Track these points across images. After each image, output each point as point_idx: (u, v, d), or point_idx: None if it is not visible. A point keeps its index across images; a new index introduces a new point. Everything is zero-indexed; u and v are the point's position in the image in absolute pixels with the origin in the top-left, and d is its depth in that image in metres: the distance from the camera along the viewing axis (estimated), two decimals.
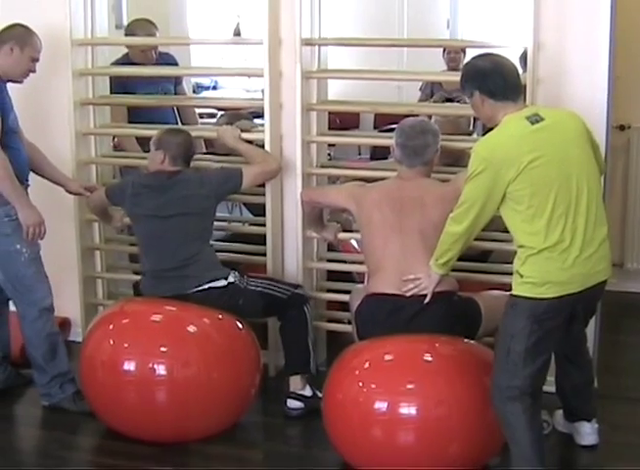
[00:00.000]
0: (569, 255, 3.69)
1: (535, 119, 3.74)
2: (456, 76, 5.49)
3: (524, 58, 4.77)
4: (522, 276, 3.75)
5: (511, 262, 4.87)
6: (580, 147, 3.81)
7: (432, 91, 7.29)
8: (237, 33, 8.09)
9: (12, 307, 4.89)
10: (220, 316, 4.49)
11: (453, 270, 4.40)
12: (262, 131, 4.97)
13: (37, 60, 4.70)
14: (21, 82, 4.76)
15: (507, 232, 5.16)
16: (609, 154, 4.63)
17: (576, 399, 4.35)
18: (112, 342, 4.43)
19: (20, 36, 4.65)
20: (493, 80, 3.82)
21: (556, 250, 3.69)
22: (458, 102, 6.06)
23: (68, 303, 4.76)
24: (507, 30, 7.06)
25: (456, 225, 3.92)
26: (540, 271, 3.71)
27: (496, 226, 5.14)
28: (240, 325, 4.53)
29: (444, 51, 7.15)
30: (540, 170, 3.67)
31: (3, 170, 4.45)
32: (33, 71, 4.73)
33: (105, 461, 4.37)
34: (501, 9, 7.82)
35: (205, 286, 4.55)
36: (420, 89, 7.43)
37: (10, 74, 4.66)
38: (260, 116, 5.17)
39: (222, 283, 4.58)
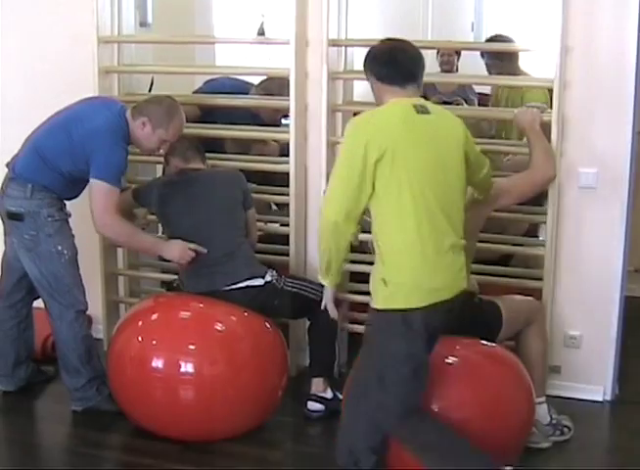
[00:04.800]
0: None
1: (422, 110, 3.71)
2: (485, 79, 5.54)
3: None
4: None
5: (532, 267, 4.92)
6: (454, 152, 3.74)
7: (425, 93, 7.20)
8: (261, 33, 8.06)
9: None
10: (246, 314, 4.49)
11: (474, 273, 4.42)
12: (287, 132, 4.99)
13: (168, 142, 4.64)
14: (146, 155, 4.83)
15: (527, 236, 5.20)
16: (634, 160, 4.63)
17: None
18: (140, 339, 4.43)
19: (157, 117, 4.53)
20: (382, 64, 3.79)
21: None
22: (458, 105, 6.04)
23: (89, 299, 4.73)
24: (533, 34, 7.02)
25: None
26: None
27: (516, 230, 5.17)
28: (268, 325, 4.53)
29: (438, 53, 7.11)
30: (413, 162, 3.59)
31: (125, 237, 4.61)
32: (160, 151, 4.75)
33: (130, 459, 4.38)
34: (527, 12, 7.78)
35: (243, 284, 4.55)
36: None
37: (137, 145, 4.65)
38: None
39: (259, 282, 4.58)
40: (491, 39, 5.95)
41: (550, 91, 4.59)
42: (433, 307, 3.58)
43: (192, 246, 4.53)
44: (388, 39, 3.91)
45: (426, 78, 5.94)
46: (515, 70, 5.61)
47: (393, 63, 3.77)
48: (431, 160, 3.63)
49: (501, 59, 5.67)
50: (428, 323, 3.59)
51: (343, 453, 3.74)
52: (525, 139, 4.75)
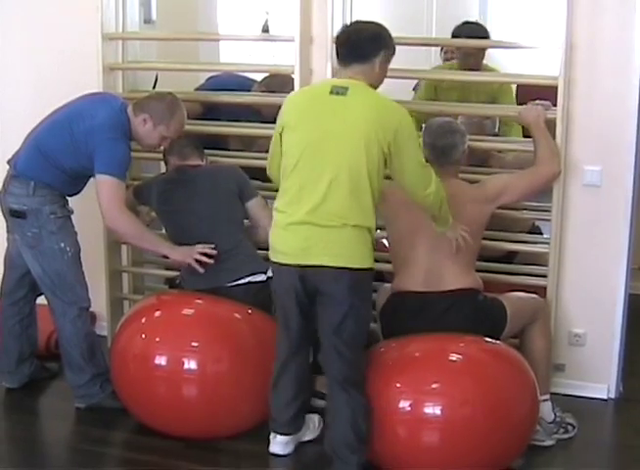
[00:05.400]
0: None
1: (337, 91, 3.86)
2: (488, 77, 5.52)
3: None
4: None
5: (537, 264, 4.90)
6: (350, 134, 3.82)
7: None
8: (265, 30, 8.06)
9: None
10: (250, 311, 4.50)
11: (478, 271, 4.41)
12: None
13: (169, 138, 4.64)
14: (147, 151, 4.88)
15: (532, 233, 5.18)
16: (638, 157, 4.62)
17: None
18: (143, 336, 4.44)
19: (158, 113, 4.54)
20: (338, 45, 4.01)
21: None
22: None
23: (93, 297, 4.74)
24: (538, 31, 7.01)
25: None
26: None
27: (521, 228, 5.15)
28: (271, 322, 4.51)
29: (441, 50, 7.08)
30: (296, 137, 3.90)
31: (133, 231, 4.55)
32: (161, 148, 4.77)
33: (133, 456, 4.37)
34: (532, 9, 7.77)
35: (245, 280, 4.54)
36: (413, 89, 7.27)
37: (138, 141, 4.65)
38: None
39: (261, 277, 4.56)
40: (462, 26, 5.94)
41: (554, 88, 4.57)
42: (284, 267, 3.96)
43: (199, 248, 4.52)
44: (357, 22, 4.18)
45: (428, 76, 6.00)
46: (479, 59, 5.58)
47: (345, 44, 3.98)
48: (314, 137, 3.86)
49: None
50: (284, 280, 4.00)
51: None
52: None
